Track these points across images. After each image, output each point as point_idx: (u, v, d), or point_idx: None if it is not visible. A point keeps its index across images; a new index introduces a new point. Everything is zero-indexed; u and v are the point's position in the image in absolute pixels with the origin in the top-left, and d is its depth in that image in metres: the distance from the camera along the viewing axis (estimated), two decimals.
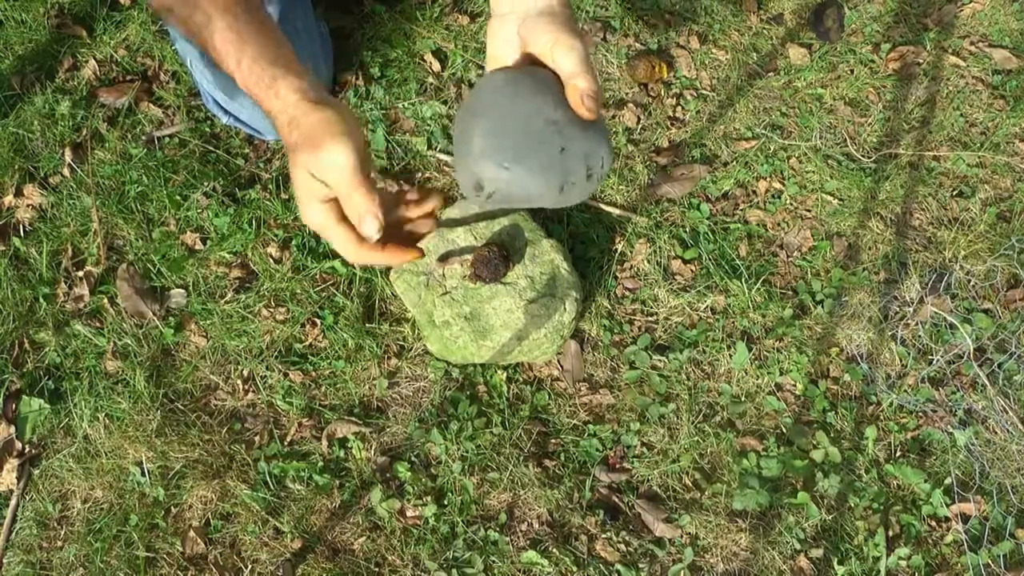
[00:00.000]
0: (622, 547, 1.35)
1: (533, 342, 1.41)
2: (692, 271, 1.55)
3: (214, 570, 1.32)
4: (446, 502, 1.37)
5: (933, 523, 1.38)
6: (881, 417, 1.45)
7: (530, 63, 0.74)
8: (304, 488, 1.38)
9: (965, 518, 1.37)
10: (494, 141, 0.69)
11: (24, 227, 1.57)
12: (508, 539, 1.35)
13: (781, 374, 1.47)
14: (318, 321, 1.49)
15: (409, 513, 1.36)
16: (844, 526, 1.37)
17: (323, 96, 0.77)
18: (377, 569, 1.33)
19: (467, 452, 1.40)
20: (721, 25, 1.81)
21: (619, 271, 1.55)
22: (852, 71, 1.77)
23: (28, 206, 1.58)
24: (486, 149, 0.70)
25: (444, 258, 1.44)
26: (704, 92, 1.73)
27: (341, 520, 1.36)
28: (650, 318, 1.52)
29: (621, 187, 1.62)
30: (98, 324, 1.49)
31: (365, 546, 1.34)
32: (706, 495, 1.39)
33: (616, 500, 1.38)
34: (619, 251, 1.56)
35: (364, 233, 0.72)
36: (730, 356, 1.48)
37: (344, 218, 0.74)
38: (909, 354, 1.49)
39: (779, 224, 1.61)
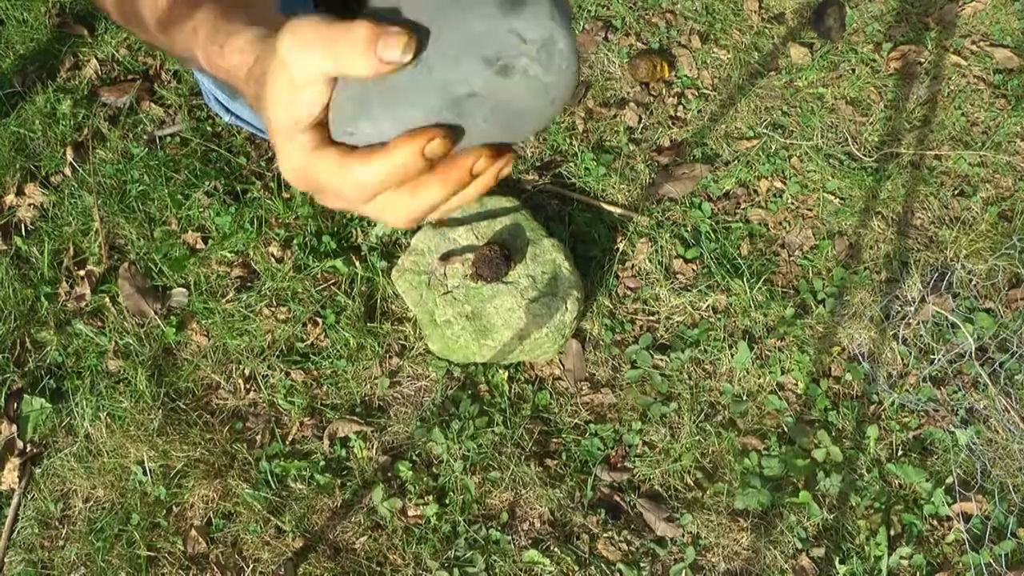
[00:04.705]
0: (624, 546, 1.35)
1: (534, 341, 1.41)
2: (693, 270, 1.55)
3: (216, 569, 1.32)
4: (448, 501, 1.37)
5: (935, 522, 1.38)
6: (883, 416, 1.45)
7: None
8: (306, 487, 1.38)
9: (967, 517, 1.37)
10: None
11: (26, 226, 1.57)
12: (510, 538, 1.35)
13: (783, 373, 1.47)
14: (320, 320, 1.49)
15: (411, 512, 1.36)
16: (846, 525, 1.37)
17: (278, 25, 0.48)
18: (379, 568, 1.33)
19: (468, 451, 1.40)
20: (722, 24, 1.81)
21: (620, 270, 1.55)
22: (853, 70, 1.77)
23: (30, 205, 1.58)
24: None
25: (446, 257, 1.43)
26: (705, 91, 1.73)
27: (343, 519, 1.36)
28: (651, 317, 1.52)
29: (622, 186, 1.62)
30: (99, 323, 1.49)
31: (367, 545, 1.34)
32: (708, 494, 1.39)
33: (618, 499, 1.38)
34: (620, 250, 1.56)
35: (388, 56, 0.42)
36: (732, 355, 1.48)
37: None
38: (911, 353, 1.49)
39: (780, 223, 1.61)
